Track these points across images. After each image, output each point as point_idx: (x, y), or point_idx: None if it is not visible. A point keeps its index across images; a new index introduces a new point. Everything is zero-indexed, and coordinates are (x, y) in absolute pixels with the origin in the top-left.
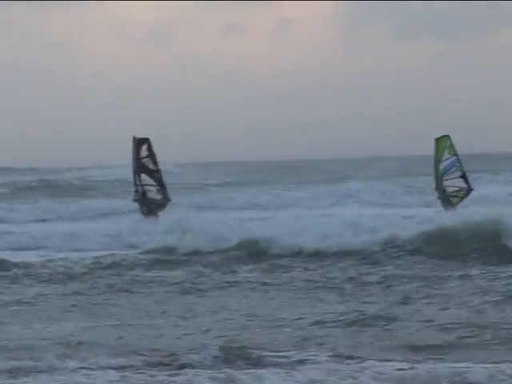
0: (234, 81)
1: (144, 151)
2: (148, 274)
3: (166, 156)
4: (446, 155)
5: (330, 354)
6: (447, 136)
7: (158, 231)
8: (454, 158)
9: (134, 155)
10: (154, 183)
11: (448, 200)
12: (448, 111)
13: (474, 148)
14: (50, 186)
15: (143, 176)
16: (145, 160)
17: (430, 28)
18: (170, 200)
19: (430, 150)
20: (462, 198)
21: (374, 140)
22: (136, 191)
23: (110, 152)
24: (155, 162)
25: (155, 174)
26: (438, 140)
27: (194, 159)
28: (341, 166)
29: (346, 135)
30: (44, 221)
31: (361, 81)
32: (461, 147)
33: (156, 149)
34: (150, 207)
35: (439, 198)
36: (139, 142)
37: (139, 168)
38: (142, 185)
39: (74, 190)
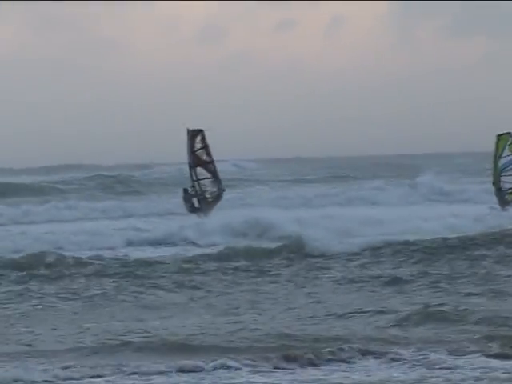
0: (286, 77)
1: (198, 143)
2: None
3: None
4: (507, 152)
5: None
6: (509, 133)
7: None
8: None
9: (188, 148)
10: (208, 175)
11: (503, 197)
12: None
13: None
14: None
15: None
16: (199, 152)
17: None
18: (224, 190)
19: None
20: None
21: (435, 136)
22: (193, 186)
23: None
24: (209, 153)
25: (209, 166)
26: (499, 136)
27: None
28: (413, 160)
29: (403, 132)
30: None
31: (414, 78)
32: None
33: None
34: (200, 202)
35: (496, 194)
36: (193, 134)
37: (194, 161)
38: (199, 179)
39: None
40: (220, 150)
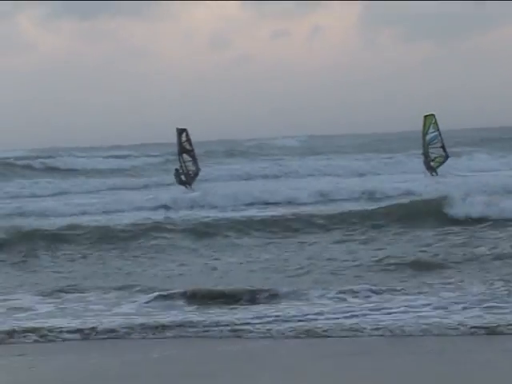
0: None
1: (183, 137)
2: None
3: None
4: (431, 129)
5: None
6: (433, 114)
7: None
8: (437, 132)
9: (177, 141)
10: (190, 159)
11: (429, 164)
12: None
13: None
14: None
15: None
16: (184, 143)
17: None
18: (200, 169)
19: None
20: (441, 163)
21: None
22: (180, 166)
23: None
24: (191, 144)
25: (191, 153)
26: (425, 117)
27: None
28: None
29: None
30: None
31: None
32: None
33: None
34: (186, 178)
35: (424, 162)
36: (180, 131)
37: (181, 150)
38: (184, 162)
39: None
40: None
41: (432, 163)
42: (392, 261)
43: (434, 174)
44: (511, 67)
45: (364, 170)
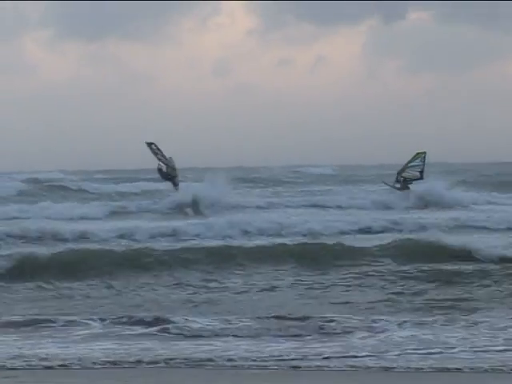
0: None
1: (154, 148)
2: None
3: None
4: (417, 161)
5: None
6: (424, 152)
7: None
8: (422, 163)
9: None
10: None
11: (401, 184)
12: None
13: None
14: None
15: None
16: (159, 154)
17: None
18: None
19: None
20: (413, 180)
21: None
22: (167, 169)
23: None
24: (162, 154)
25: (163, 160)
26: (417, 153)
27: None
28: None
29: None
30: None
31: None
32: None
33: None
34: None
35: (397, 180)
36: (149, 144)
37: (161, 159)
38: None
39: None
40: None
41: (401, 178)
42: None
43: (396, 185)
44: None
45: None
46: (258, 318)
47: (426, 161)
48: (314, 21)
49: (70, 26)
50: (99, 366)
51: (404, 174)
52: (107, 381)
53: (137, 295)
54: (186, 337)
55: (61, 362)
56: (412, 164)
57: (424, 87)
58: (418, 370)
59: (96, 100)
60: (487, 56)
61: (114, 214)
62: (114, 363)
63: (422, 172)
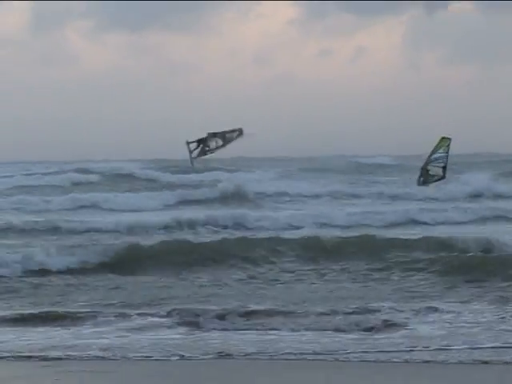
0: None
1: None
2: None
3: None
4: (441, 150)
5: None
6: (449, 138)
7: None
8: (445, 154)
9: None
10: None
11: (426, 179)
12: None
13: None
14: None
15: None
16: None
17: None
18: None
19: None
20: (435, 181)
21: None
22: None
23: None
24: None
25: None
26: (442, 138)
27: None
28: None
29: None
30: None
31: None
32: None
33: None
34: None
35: (420, 175)
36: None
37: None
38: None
39: None
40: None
41: (427, 177)
42: None
43: (425, 184)
44: None
45: None
46: None
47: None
48: (355, 11)
49: (111, 16)
50: None
51: (429, 170)
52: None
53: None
54: None
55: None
56: (435, 156)
57: (464, 78)
58: None
59: (136, 90)
60: None
61: (188, 202)
62: None
63: (444, 168)
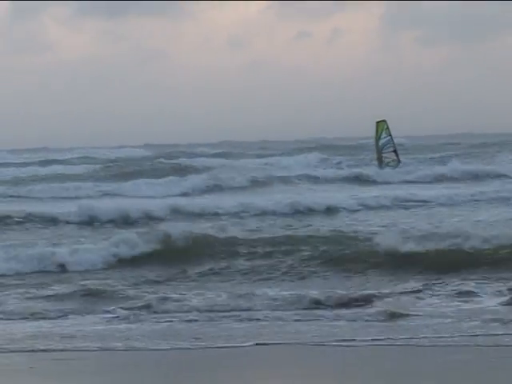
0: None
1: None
2: None
3: None
4: (383, 135)
5: None
6: (384, 121)
7: None
8: (389, 137)
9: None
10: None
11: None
12: None
13: None
14: None
15: None
16: None
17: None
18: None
19: None
20: (394, 167)
21: None
22: None
23: None
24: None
25: None
26: (377, 123)
27: None
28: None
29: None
30: None
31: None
32: None
33: None
34: None
35: (378, 164)
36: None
37: None
38: None
39: None
40: None
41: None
42: None
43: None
44: None
45: None
46: None
47: None
48: None
49: (89, 2)
50: None
51: (384, 159)
52: None
53: None
54: None
55: None
56: (382, 142)
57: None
58: None
59: (112, 77)
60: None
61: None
62: None
63: (396, 152)
